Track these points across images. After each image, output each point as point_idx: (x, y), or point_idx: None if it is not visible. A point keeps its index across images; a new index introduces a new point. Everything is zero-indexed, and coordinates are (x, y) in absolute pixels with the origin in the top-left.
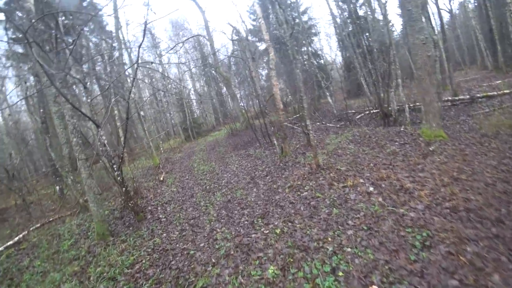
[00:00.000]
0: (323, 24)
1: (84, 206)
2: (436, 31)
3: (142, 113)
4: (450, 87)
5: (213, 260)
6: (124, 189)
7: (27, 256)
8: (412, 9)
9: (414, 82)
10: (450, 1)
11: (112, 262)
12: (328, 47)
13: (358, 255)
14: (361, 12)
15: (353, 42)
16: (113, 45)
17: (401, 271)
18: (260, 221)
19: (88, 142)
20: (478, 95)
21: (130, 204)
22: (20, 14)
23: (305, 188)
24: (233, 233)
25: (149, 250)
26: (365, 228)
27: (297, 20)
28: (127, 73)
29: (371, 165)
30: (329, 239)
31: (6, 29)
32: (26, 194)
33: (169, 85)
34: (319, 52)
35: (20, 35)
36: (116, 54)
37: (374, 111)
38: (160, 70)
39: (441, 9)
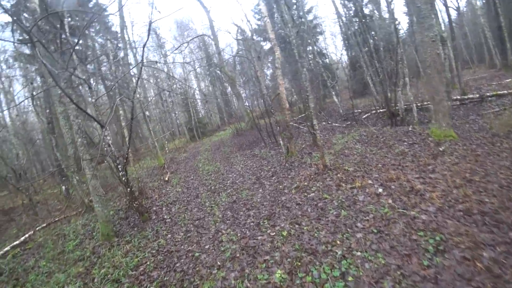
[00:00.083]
0: (328, 23)
1: (90, 206)
2: (443, 29)
3: (147, 113)
4: (458, 86)
5: (219, 263)
6: (128, 189)
7: (33, 256)
8: (421, 6)
9: (421, 81)
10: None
11: (117, 263)
12: (333, 46)
13: (368, 260)
14: (366, 11)
15: (359, 40)
16: (119, 45)
17: (414, 277)
18: (266, 223)
19: (93, 142)
20: (488, 94)
21: (134, 205)
22: (26, 16)
23: (312, 189)
24: (238, 234)
25: (154, 251)
26: (375, 231)
27: (302, 19)
28: (132, 73)
29: (380, 165)
30: (338, 242)
31: (13, 30)
32: (33, 194)
33: (174, 85)
34: (324, 51)
35: (27, 37)
36: (121, 54)
37: (381, 110)
38: (165, 70)
39: (449, 6)
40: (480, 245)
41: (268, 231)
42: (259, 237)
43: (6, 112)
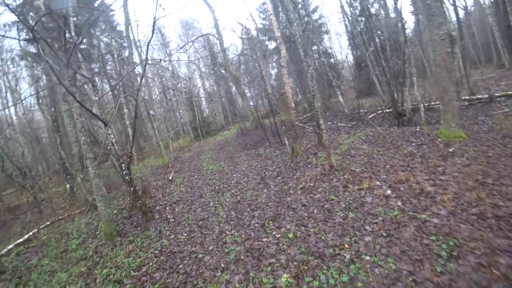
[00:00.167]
0: (333, 23)
1: (94, 204)
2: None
3: (152, 112)
4: (466, 86)
5: (223, 265)
6: (132, 188)
7: (36, 254)
8: (431, 3)
9: (427, 81)
10: None
11: (119, 263)
12: (338, 46)
13: (378, 264)
14: (373, 10)
15: (365, 39)
16: (124, 44)
17: (427, 284)
18: (272, 224)
19: (97, 140)
20: (497, 94)
21: (138, 204)
22: (32, 15)
23: (318, 190)
24: (243, 236)
25: (157, 252)
26: (385, 234)
27: (307, 19)
28: (136, 71)
29: (387, 166)
30: (346, 245)
31: (18, 29)
32: (37, 192)
33: (179, 84)
34: (329, 51)
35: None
36: (126, 53)
37: (387, 110)
38: (170, 69)
39: (457, 6)
40: (496, 251)
41: (273, 233)
42: (264, 239)
43: (12, 111)
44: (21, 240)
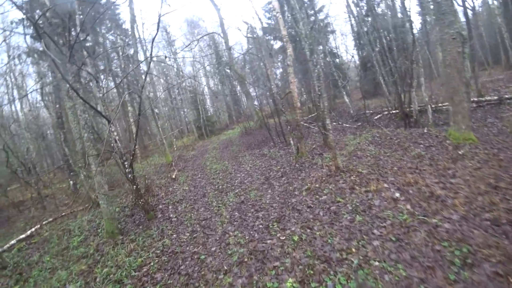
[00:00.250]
0: (338, 23)
1: (96, 201)
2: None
3: (156, 110)
4: (474, 87)
5: (225, 267)
6: (134, 186)
7: (38, 251)
8: (442, 1)
9: (434, 82)
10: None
11: (120, 263)
12: (344, 46)
13: (387, 271)
14: (379, 10)
15: (371, 39)
16: (129, 43)
17: None
18: (276, 226)
19: (100, 137)
20: (507, 96)
21: (140, 202)
22: (39, 11)
23: (324, 191)
24: (246, 237)
25: (158, 252)
26: (394, 239)
27: (313, 18)
28: (142, 70)
29: (395, 168)
30: (353, 249)
31: (24, 26)
32: (41, 188)
33: (183, 83)
34: (335, 51)
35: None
36: (131, 51)
37: (393, 111)
38: (175, 67)
39: (467, 8)
40: None
41: (278, 235)
42: (268, 241)
43: (19, 107)
44: (23, 236)
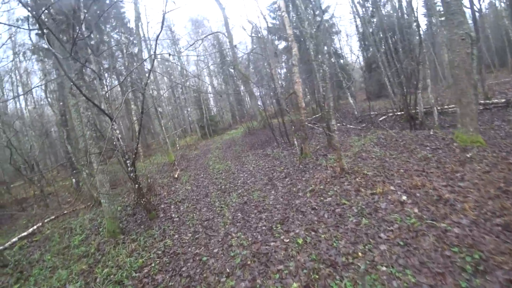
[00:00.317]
0: (343, 23)
1: (98, 200)
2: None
3: (159, 109)
4: (481, 89)
5: (228, 270)
6: (137, 185)
7: (39, 249)
8: (451, 1)
9: (439, 84)
10: (479, 1)
11: (121, 263)
12: (348, 47)
13: (396, 276)
14: (384, 11)
15: (377, 40)
16: (134, 41)
17: None
18: (280, 228)
19: (103, 136)
20: None
21: (142, 202)
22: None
23: (329, 193)
24: (249, 239)
25: (160, 252)
26: (401, 243)
27: (318, 18)
28: (146, 69)
29: (401, 171)
30: (360, 254)
31: (28, 23)
32: (44, 185)
33: (187, 83)
34: (339, 52)
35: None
36: (136, 50)
37: (398, 113)
38: (179, 66)
39: (475, 11)
40: None
41: (282, 237)
42: (271, 243)
43: (23, 105)
44: (25, 233)
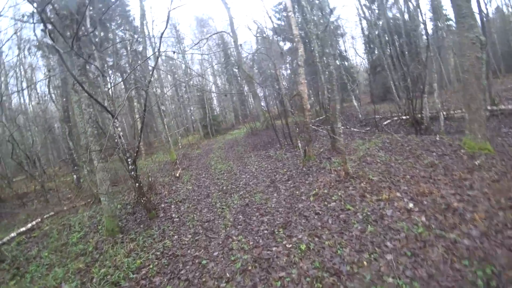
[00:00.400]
0: (348, 25)
1: (98, 197)
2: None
3: (163, 107)
4: (488, 95)
5: (228, 275)
6: (137, 184)
7: (37, 245)
8: (462, 4)
9: (445, 89)
10: (486, 5)
11: (118, 263)
12: (353, 49)
13: None
14: (390, 14)
15: (382, 43)
16: (139, 39)
17: None
18: (282, 232)
19: (104, 133)
20: None
21: (142, 201)
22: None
23: (333, 197)
24: (251, 243)
25: (158, 253)
26: (409, 253)
27: (323, 20)
28: (150, 67)
29: (408, 177)
30: (365, 263)
31: (33, 19)
32: (45, 181)
33: (191, 81)
34: (344, 54)
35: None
36: (140, 47)
37: (404, 117)
38: (183, 65)
39: (484, 17)
40: None
41: (284, 242)
42: (273, 248)
43: (27, 100)
44: (24, 229)
